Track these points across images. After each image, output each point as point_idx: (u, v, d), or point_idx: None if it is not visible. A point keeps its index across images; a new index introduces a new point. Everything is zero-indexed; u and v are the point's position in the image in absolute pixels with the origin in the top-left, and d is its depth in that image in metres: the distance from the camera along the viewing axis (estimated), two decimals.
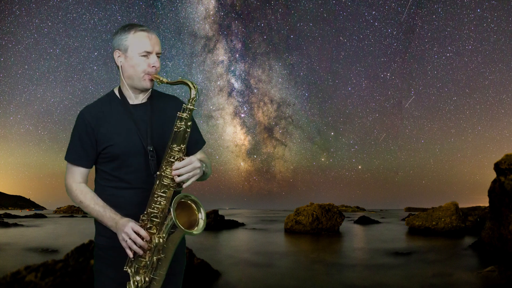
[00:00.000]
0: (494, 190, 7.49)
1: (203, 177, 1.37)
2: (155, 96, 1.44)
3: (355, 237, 11.59)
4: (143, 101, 1.41)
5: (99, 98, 1.41)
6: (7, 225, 15.54)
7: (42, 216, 27.08)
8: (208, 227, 14.27)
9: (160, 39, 1.38)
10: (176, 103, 1.47)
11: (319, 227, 12.16)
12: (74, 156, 1.36)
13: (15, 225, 16.07)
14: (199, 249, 7.14)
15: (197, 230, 1.24)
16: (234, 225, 15.70)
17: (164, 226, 1.25)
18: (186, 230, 1.19)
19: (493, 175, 7.63)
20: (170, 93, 1.51)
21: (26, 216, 26.38)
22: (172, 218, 1.19)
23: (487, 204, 8.10)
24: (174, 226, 1.21)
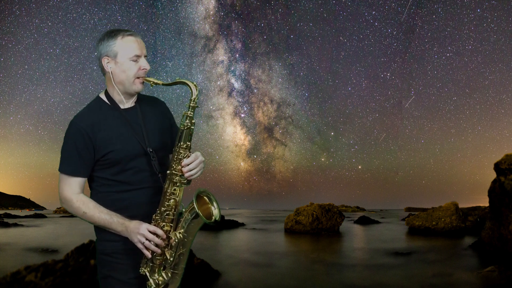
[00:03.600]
0: (494, 190, 7.48)
1: None
2: (140, 99, 1.47)
3: (355, 237, 11.58)
4: (132, 104, 1.43)
5: (87, 105, 1.40)
6: (7, 225, 15.53)
7: (42, 216, 27.08)
8: (208, 227, 14.26)
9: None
10: (159, 104, 1.52)
11: (319, 227, 12.16)
12: (72, 168, 1.32)
13: (15, 225, 16.07)
14: (199, 249, 7.15)
15: (215, 217, 1.33)
16: (234, 225, 15.69)
17: (183, 221, 1.30)
18: (206, 220, 1.27)
19: (493, 175, 7.63)
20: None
21: (26, 216, 26.39)
22: (192, 210, 1.27)
23: (487, 204, 8.10)
24: (193, 219, 1.29)
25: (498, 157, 8.99)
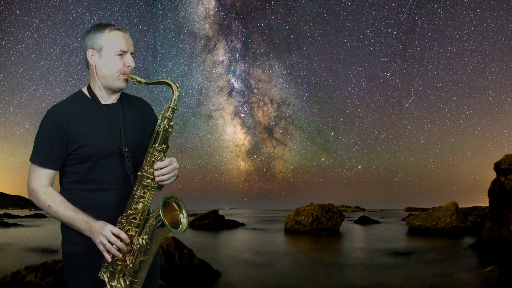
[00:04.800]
0: (494, 190, 7.48)
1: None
2: (124, 97, 1.42)
3: (355, 237, 11.58)
4: (114, 101, 1.37)
5: (67, 97, 1.34)
6: (7, 225, 15.54)
7: (42, 216, 27.06)
8: (208, 227, 14.27)
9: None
10: (144, 104, 1.47)
11: (319, 227, 12.16)
12: (42, 158, 1.26)
13: (15, 225, 16.08)
14: (199, 249, 7.14)
15: (181, 228, 1.24)
16: (234, 225, 15.69)
17: (147, 226, 1.22)
18: (172, 229, 1.18)
19: (493, 175, 7.64)
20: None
21: (26, 216, 26.40)
22: (158, 217, 1.18)
23: (487, 204, 8.10)
24: (158, 226, 1.20)
25: (498, 157, 9.01)
